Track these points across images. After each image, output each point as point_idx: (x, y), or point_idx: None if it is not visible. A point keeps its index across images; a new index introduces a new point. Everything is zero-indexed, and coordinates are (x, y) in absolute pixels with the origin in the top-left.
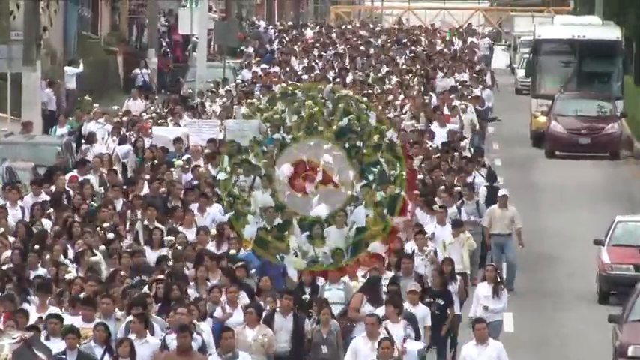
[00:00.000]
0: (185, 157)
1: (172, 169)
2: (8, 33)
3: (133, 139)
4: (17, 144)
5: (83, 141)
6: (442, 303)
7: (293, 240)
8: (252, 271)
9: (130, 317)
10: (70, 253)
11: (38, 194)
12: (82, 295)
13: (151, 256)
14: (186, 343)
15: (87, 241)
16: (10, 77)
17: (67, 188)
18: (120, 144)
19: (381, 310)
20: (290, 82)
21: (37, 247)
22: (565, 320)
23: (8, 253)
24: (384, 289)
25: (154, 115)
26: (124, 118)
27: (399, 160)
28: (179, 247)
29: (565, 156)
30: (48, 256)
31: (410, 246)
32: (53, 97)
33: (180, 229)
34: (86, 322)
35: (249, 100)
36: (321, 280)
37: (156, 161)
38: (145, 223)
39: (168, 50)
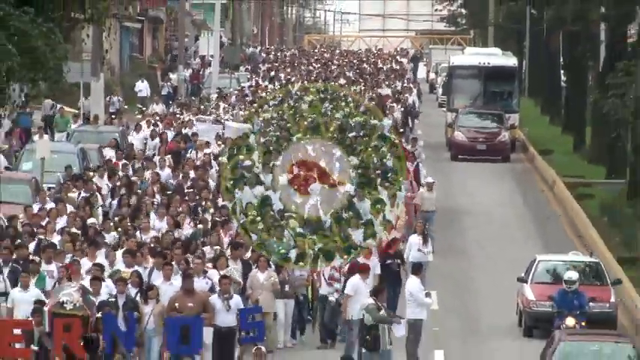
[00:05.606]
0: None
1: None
2: (81, 55)
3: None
4: (87, 131)
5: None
6: (399, 262)
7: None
8: None
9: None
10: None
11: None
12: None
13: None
14: (188, 285)
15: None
16: (82, 86)
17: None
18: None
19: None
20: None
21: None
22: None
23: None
24: None
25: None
26: (147, 119)
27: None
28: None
29: (466, 159)
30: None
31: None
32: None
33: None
34: (128, 267)
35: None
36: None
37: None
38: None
39: (198, 69)
